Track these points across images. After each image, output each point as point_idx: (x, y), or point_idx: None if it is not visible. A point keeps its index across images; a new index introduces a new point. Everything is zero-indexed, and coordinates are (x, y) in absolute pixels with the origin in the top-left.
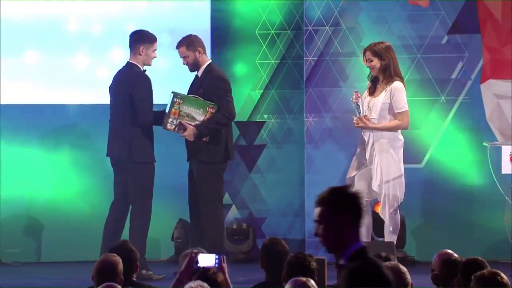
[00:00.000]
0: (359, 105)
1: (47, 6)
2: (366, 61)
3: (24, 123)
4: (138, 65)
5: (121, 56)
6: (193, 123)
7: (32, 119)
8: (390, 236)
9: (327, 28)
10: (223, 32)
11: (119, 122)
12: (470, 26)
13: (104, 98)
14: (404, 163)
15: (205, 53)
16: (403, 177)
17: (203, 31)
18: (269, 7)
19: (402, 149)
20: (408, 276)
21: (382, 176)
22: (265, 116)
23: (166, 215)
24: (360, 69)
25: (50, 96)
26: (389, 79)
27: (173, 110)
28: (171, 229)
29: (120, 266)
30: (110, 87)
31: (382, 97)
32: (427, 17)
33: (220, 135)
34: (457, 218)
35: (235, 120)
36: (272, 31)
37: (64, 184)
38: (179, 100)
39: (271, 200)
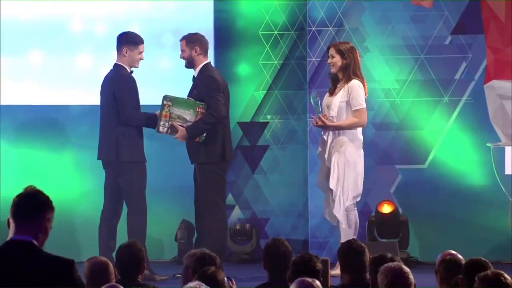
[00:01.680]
0: (318, 104)
1: (50, 6)
2: (329, 57)
3: (27, 124)
4: (124, 66)
5: None
6: (185, 124)
7: (35, 120)
8: (345, 233)
9: (331, 28)
10: (227, 32)
11: (106, 123)
12: (474, 26)
13: None
14: (408, 163)
15: (202, 53)
16: (359, 176)
17: (206, 31)
18: (273, 8)
19: (362, 148)
20: (411, 277)
21: (338, 174)
22: (268, 116)
23: (169, 216)
24: (364, 69)
25: (53, 96)
26: (348, 78)
27: (163, 112)
28: (175, 229)
29: (111, 266)
30: (100, 90)
31: (339, 96)
32: (430, 18)
33: (216, 135)
34: (461, 218)
35: (239, 120)
36: (276, 32)
37: (67, 184)
38: (168, 103)
39: (274, 200)
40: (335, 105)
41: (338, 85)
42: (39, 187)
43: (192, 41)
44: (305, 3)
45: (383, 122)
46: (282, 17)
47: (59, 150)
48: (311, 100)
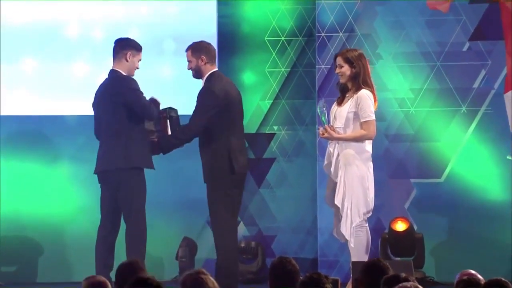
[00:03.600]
0: (325, 115)
1: (45, 10)
2: (336, 67)
3: (21, 135)
4: (122, 72)
5: None
6: (154, 136)
7: (29, 131)
8: (355, 252)
9: (341, 34)
10: (231, 38)
11: (108, 132)
12: (493, 32)
13: None
14: (423, 177)
15: (210, 62)
16: (369, 191)
17: (209, 37)
18: (280, 12)
19: (370, 161)
20: None
21: (345, 190)
22: (275, 127)
23: (170, 233)
24: (376, 78)
25: (47, 106)
26: (357, 87)
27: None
28: (175, 247)
29: (109, 287)
30: (92, 104)
31: (347, 106)
32: (447, 23)
33: (217, 150)
34: (479, 235)
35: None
36: (283, 38)
37: (62, 199)
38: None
39: (281, 216)
40: (342, 116)
41: (347, 95)
42: (32, 202)
43: (198, 50)
44: (314, 8)
45: (397, 133)
46: (289, 22)
47: (53, 163)
48: (318, 110)
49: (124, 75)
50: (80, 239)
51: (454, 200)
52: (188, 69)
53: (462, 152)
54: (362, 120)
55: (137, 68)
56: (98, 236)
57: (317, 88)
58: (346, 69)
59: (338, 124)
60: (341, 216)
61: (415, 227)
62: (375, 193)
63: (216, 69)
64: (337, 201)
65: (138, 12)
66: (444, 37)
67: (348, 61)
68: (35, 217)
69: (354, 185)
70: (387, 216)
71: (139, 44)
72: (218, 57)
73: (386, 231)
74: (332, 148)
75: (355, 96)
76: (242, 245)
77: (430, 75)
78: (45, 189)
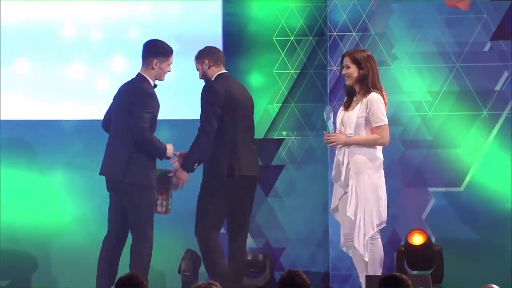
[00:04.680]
0: (331, 122)
1: (39, 10)
2: (343, 67)
3: (13, 141)
4: (149, 79)
5: (122, 65)
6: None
7: (22, 137)
8: (368, 269)
9: (354, 33)
10: (237, 38)
11: (117, 138)
12: None
13: (103, 112)
14: (442, 186)
15: (214, 64)
16: (382, 201)
17: (214, 37)
18: (289, 11)
19: (382, 169)
20: None
21: (357, 200)
22: (284, 133)
23: (172, 245)
24: (391, 79)
25: (42, 110)
26: (366, 90)
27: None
28: (178, 260)
29: None
30: (114, 97)
31: (357, 111)
32: (467, 21)
33: (217, 150)
34: (502, 248)
35: None
36: (292, 37)
37: (58, 209)
38: (166, 178)
39: (290, 227)
40: (352, 121)
41: (355, 99)
42: (24, 212)
43: (201, 55)
44: (325, 5)
45: (414, 139)
46: (299, 20)
47: (47, 171)
48: (324, 116)
49: (143, 88)
50: (76, 250)
51: (474, 210)
52: (199, 78)
53: (483, 159)
54: (374, 125)
55: (169, 71)
56: (103, 247)
57: (328, 91)
58: (354, 70)
59: (348, 130)
60: (353, 229)
61: (433, 239)
62: (390, 202)
63: (224, 71)
64: (350, 213)
65: (138, 11)
66: (464, 37)
67: (356, 61)
68: (28, 228)
69: (367, 195)
70: (403, 227)
71: (168, 48)
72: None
73: (402, 243)
74: (341, 156)
75: (364, 99)
76: (249, 257)
77: (449, 77)
78: (38, 198)
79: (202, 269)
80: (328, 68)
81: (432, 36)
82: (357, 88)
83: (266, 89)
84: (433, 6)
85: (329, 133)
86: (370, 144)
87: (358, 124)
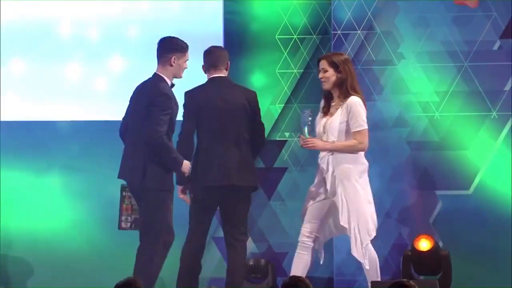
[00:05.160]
0: (308, 127)
1: (35, 7)
2: (320, 71)
3: (8, 143)
4: (166, 78)
5: (121, 65)
6: None
7: (17, 138)
8: (369, 274)
9: (359, 32)
10: (238, 37)
11: (134, 141)
12: None
13: (101, 113)
14: (450, 189)
15: (208, 68)
16: (373, 205)
17: (215, 36)
18: (292, 8)
19: (367, 174)
20: None
21: (349, 208)
22: (287, 134)
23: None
24: (398, 79)
25: (38, 111)
26: (346, 94)
27: (124, 205)
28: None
29: None
30: (130, 99)
31: (338, 116)
32: (476, 19)
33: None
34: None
35: None
36: (295, 36)
37: (54, 213)
38: (128, 193)
39: (293, 232)
40: (334, 128)
41: (333, 104)
42: (19, 216)
43: (203, 60)
44: (329, 3)
45: (420, 140)
46: (302, 18)
47: (44, 174)
48: (301, 120)
49: (159, 89)
50: (74, 256)
51: (483, 214)
52: None
53: (492, 161)
54: (354, 130)
55: (185, 68)
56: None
57: None
58: (331, 74)
59: (331, 137)
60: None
61: (441, 244)
62: (396, 205)
63: (217, 75)
64: (343, 222)
65: (138, 9)
66: (473, 35)
67: (334, 65)
68: (23, 233)
69: (359, 203)
70: (410, 231)
71: (184, 43)
72: None
73: (409, 248)
74: (325, 165)
75: (344, 104)
76: (251, 263)
77: (457, 77)
78: (34, 202)
79: (202, 275)
80: None
81: (439, 35)
82: (335, 92)
83: (269, 89)
84: (441, 4)
85: (305, 136)
86: (349, 150)
87: (341, 130)
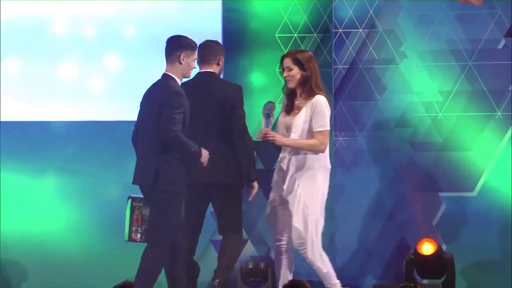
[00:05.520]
0: (271, 116)
1: (29, 5)
2: (284, 70)
3: (1, 144)
4: (176, 77)
5: (117, 64)
6: None
7: (10, 139)
8: (327, 278)
9: (361, 30)
10: (237, 35)
11: (146, 144)
12: None
13: (97, 113)
14: (454, 191)
15: (201, 62)
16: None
17: (213, 34)
18: (292, 6)
19: (329, 177)
20: None
21: (306, 211)
22: None
23: None
24: (400, 79)
25: (32, 111)
26: (310, 93)
27: (134, 216)
28: None
29: None
30: (140, 102)
31: (302, 115)
32: (480, 17)
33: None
34: None
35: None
36: (295, 34)
37: (49, 216)
38: (139, 204)
39: None
40: (297, 127)
41: (296, 102)
42: (13, 220)
43: None
44: (330, 1)
45: (423, 141)
46: (303, 17)
47: (39, 175)
48: (263, 112)
49: (171, 88)
50: (69, 260)
51: (487, 217)
52: None
53: (497, 163)
54: (316, 130)
55: (194, 68)
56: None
57: (333, 91)
58: (296, 72)
59: (294, 136)
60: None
61: (444, 247)
62: (398, 207)
63: (206, 69)
64: (297, 222)
65: (134, 6)
66: (477, 34)
67: (298, 63)
68: (17, 236)
69: (316, 206)
70: (412, 234)
71: (193, 42)
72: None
73: (412, 251)
74: (285, 164)
75: (309, 103)
76: (250, 266)
77: (461, 76)
78: (28, 204)
79: (201, 278)
80: (333, 67)
81: (443, 33)
82: (298, 90)
83: (268, 88)
84: (444, 2)
85: (266, 128)
86: (309, 149)
87: (304, 129)
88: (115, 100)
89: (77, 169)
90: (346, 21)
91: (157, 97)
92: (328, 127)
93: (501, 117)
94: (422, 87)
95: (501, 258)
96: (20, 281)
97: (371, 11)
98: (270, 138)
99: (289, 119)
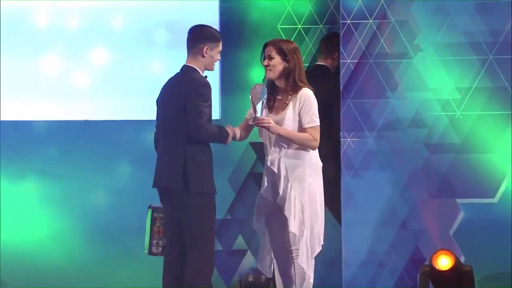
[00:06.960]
0: (264, 100)
1: None
2: (265, 58)
3: None
4: (199, 69)
5: (104, 58)
6: None
7: None
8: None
9: (371, 21)
10: (236, 27)
11: (169, 142)
12: None
13: (83, 112)
14: (473, 197)
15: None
16: (323, 211)
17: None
18: None
19: (321, 174)
20: None
21: (302, 216)
22: None
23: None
24: (414, 74)
25: (11, 109)
26: (293, 86)
27: (155, 228)
28: None
29: None
30: (157, 100)
31: (291, 110)
32: (501, 7)
33: None
34: None
35: (251, 140)
36: (299, 26)
37: (30, 223)
38: (160, 215)
39: None
40: (288, 124)
41: (279, 97)
42: None
43: None
44: None
45: (440, 143)
46: (308, 7)
47: (18, 180)
48: (255, 95)
49: (196, 79)
50: (51, 271)
51: (510, 225)
52: None
53: None
54: (307, 126)
55: (218, 60)
56: (164, 264)
57: (341, 87)
58: (278, 62)
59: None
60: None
61: (462, 258)
62: (413, 215)
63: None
64: (293, 228)
65: None
66: (498, 25)
67: (281, 52)
68: None
69: (315, 208)
70: (428, 244)
71: (217, 33)
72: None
73: (427, 263)
74: (276, 167)
75: (295, 97)
76: (250, 279)
77: (481, 71)
78: (7, 212)
79: None
80: (341, 61)
81: (461, 25)
82: (280, 83)
83: None
84: None
85: (259, 115)
86: (302, 143)
87: (294, 126)
88: (102, 97)
89: (60, 173)
90: (355, 11)
91: (181, 90)
92: (318, 122)
93: None
94: (438, 83)
95: None
96: None
97: (382, 0)
98: (266, 124)
99: (275, 116)
